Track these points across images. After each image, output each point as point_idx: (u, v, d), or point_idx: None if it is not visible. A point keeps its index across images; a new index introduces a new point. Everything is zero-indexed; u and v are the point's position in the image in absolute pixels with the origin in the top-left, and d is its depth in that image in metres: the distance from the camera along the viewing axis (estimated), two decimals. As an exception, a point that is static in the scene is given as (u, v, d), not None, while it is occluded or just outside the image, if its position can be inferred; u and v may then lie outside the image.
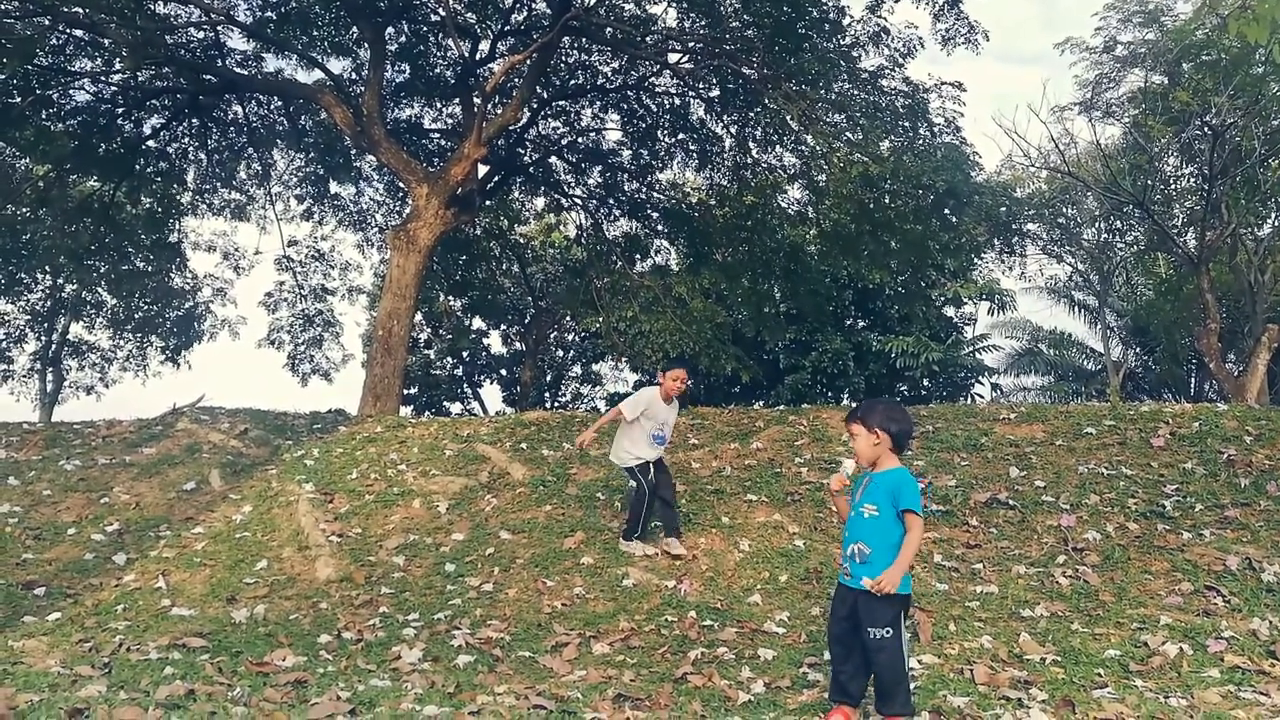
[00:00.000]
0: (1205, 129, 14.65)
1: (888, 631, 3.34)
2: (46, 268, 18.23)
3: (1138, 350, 22.69)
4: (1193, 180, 17.30)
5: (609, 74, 14.52)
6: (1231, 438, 6.46)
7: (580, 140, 15.61)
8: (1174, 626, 4.38)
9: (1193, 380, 21.40)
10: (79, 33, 12.46)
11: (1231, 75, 13.41)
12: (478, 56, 13.70)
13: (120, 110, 13.75)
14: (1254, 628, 4.30)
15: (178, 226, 16.81)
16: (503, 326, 24.16)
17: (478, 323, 23.77)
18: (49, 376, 21.28)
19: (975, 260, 19.65)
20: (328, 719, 3.30)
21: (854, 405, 3.88)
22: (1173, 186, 17.75)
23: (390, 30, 13.39)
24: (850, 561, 3.51)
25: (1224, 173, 14.73)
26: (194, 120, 14.60)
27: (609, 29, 12.69)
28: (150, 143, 14.33)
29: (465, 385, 24.49)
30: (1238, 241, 16.99)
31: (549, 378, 25.16)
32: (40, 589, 5.61)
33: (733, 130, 14.06)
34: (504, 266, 21.87)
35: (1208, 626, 4.34)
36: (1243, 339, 18.37)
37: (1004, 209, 17.34)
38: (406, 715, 3.41)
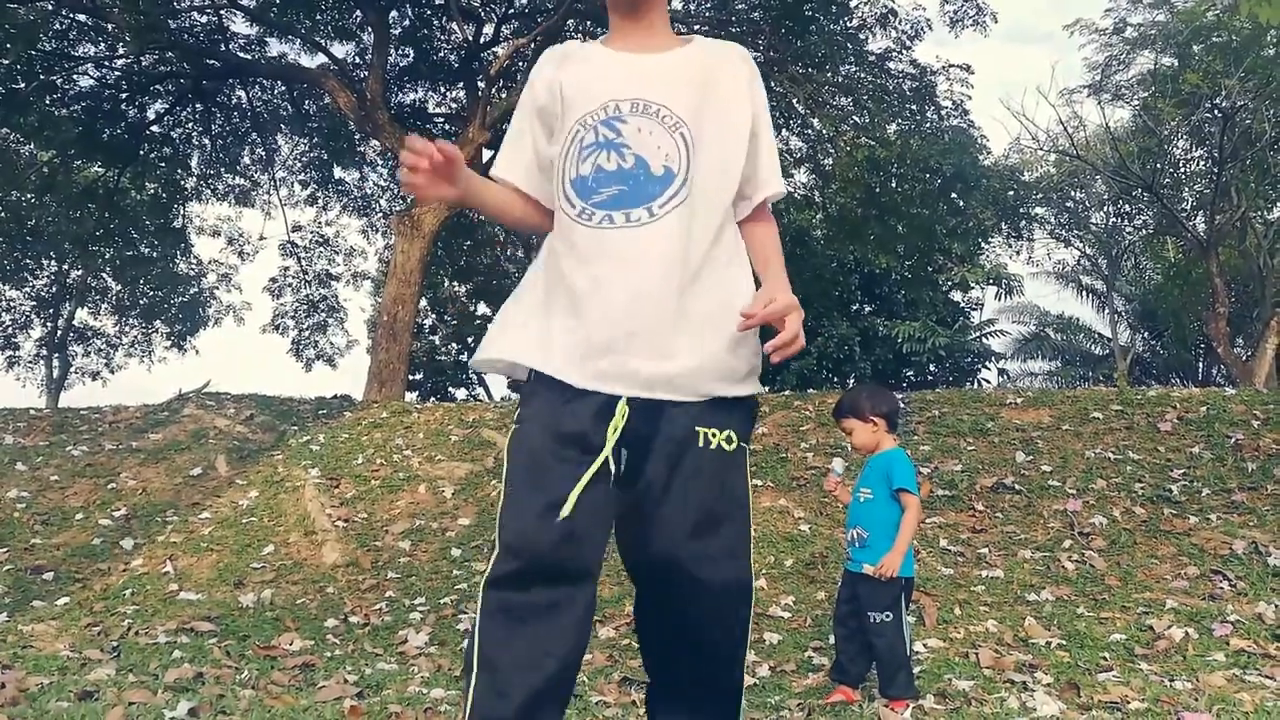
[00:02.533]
0: (1215, 112, 14.54)
1: (888, 615, 3.36)
2: (52, 254, 18.27)
3: (1145, 335, 22.61)
4: (1202, 164, 17.20)
5: (614, 57, 14.42)
6: (1239, 422, 6.43)
7: (585, 124, 15.52)
8: (1179, 610, 4.37)
9: (1201, 365, 21.34)
10: (82, 17, 12.42)
11: (1242, 57, 13.29)
12: (482, 40, 13.62)
13: (124, 95, 13.71)
14: (1259, 611, 4.30)
15: (182, 212, 16.78)
16: (508, 312, 24.11)
17: (483, 308, 23.75)
18: (55, 362, 21.33)
19: (982, 244, 19.54)
20: (335, 701, 3.32)
21: (837, 402, 3.77)
22: (1182, 170, 17.64)
23: (394, 14, 13.31)
24: (851, 546, 3.54)
25: (1234, 156, 14.63)
26: (198, 105, 14.55)
27: (614, 12, 12.60)
28: (154, 128, 14.30)
29: (470, 371, 24.52)
30: (1247, 225, 16.89)
31: (553, 363, 25.13)
32: (49, 574, 5.64)
33: (738, 114, 13.96)
34: (508, 252, 21.81)
35: (1213, 610, 4.34)
36: (1251, 323, 18.29)
37: (1012, 193, 17.21)
38: (413, 698, 3.43)
